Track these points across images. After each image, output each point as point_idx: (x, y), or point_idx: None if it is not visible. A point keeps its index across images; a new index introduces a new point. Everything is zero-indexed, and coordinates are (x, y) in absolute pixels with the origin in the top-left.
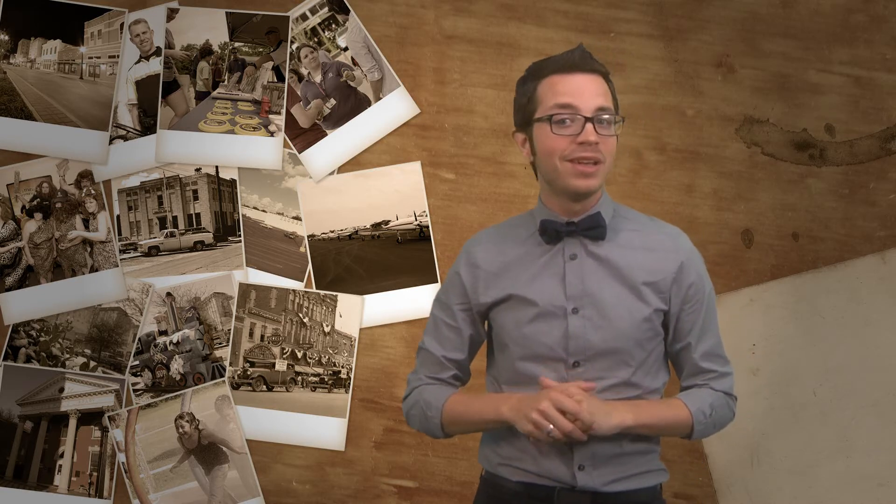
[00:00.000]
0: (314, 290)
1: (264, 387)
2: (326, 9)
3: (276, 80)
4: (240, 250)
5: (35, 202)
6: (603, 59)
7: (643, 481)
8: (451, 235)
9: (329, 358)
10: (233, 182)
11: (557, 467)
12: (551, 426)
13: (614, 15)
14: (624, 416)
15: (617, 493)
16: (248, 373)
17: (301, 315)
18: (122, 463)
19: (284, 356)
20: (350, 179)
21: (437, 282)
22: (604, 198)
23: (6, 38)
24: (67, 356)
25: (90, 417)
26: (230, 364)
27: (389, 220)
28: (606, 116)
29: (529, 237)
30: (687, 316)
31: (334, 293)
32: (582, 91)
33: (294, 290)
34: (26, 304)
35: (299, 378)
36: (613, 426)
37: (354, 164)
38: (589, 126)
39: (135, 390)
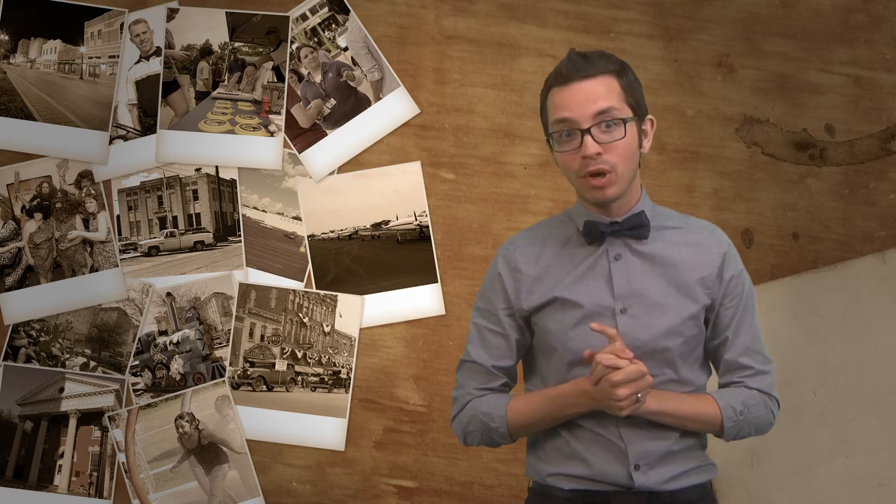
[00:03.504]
0: (314, 290)
1: (264, 387)
2: (326, 9)
3: (276, 80)
4: (240, 250)
5: (35, 202)
6: None
7: (695, 478)
8: (451, 235)
9: (329, 358)
10: (233, 182)
11: (613, 468)
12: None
13: (614, 15)
14: (650, 401)
15: (672, 491)
16: (248, 373)
17: (301, 315)
18: (122, 463)
19: (284, 356)
20: (350, 179)
21: (437, 282)
22: (643, 196)
23: (6, 38)
24: (67, 356)
25: (90, 417)
26: (230, 364)
27: (389, 220)
28: (607, 121)
29: (570, 239)
30: (726, 310)
31: (334, 293)
32: (575, 101)
33: (294, 290)
34: (26, 304)
35: (299, 378)
36: (646, 406)
37: (354, 164)
38: (587, 138)
39: (135, 390)
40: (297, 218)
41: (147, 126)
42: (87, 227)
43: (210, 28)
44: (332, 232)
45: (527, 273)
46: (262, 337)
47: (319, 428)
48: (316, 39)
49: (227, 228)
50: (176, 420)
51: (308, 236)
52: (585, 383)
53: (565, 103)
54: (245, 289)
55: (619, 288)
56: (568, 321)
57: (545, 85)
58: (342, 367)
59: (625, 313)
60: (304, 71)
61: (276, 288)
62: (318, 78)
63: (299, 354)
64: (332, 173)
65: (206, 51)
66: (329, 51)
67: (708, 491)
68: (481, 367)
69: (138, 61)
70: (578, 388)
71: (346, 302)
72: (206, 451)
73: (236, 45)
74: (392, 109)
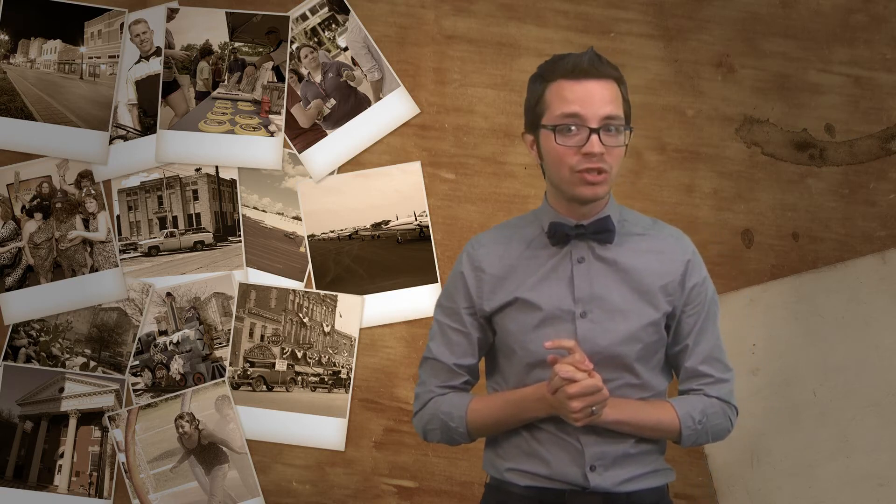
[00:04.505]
0: (314, 290)
1: (264, 387)
2: (326, 9)
3: (276, 80)
4: (240, 250)
5: (35, 202)
6: None
7: (652, 481)
8: (451, 235)
9: (329, 358)
10: (233, 182)
11: (569, 468)
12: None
13: (614, 15)
14: (608, 410)
15: (628, 493)
16: (248, 373)
17: (301, 315)
18: (122, 463)
19: (284, 356)
20: (350, 179)
21: (437, 282)
22: (611, 201)
23: (6, 38)
24: (67, 356)
25: (90, 417)
26: (230, 364)
27: (389, 220)
28: (614, 126)
29: (535, 239)
30: (687, 318)
31: (334, 293)
32: (590, 100)
33: (294, 290)
34: (26, 304)
35: (299, 378)
36: (604, 416)
37: (354, 164)
38: (594, 137)
39: (135, 390)
40: (297, 218)
41: (147, 126)
42: (87, 227)
43: (210, 28)
44: (332, 232)
45: (490, 273)
46: (262, 337)
47: (319, 428)
48: (316, 39)
49: (227, 228)
50: (176, 420)
51: (308, 236)
52: (545, 389)
53: (579, 98)
54: (245, 289)
55: (580, 292)
56: (528, 323)
57: (547, 73)
58: (342, 367)
59: (584, 317)
60: (304, 71)
61: (276, 288)
62: (318, 78)
63: (299, 354)
64: (332, 173)
65: (206, 51)
66: (329, 51)
67: (664, 495)
68: (443, 364)
69: (138, 61)
70: (538, 394)
71: (346, 302)
72: (206, 451)
73: (236, 45)
74: (392, 109)
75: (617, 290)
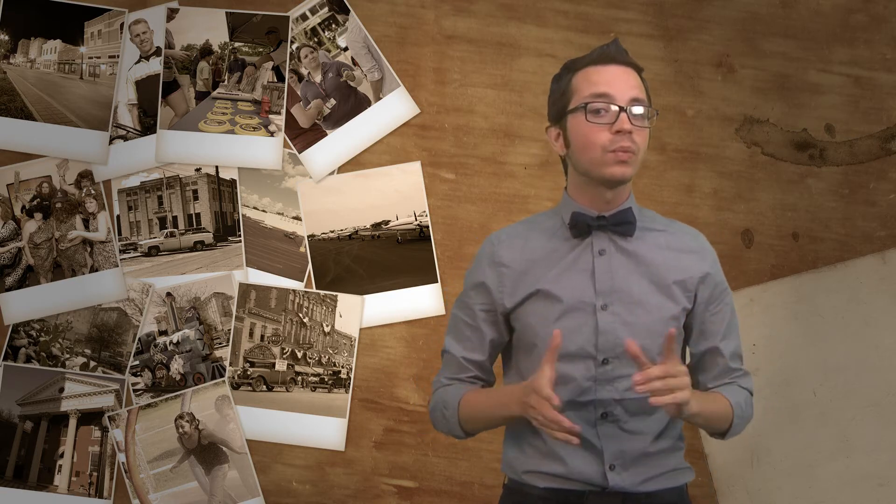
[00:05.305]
0: (314, 290)
1: (264, 387)
2: (326, 9)
3: (276, 80)
4: (240, 250)
5: (35, 202)
6: None
7: (671, 480)
8: (451, 235)
9: (329, 358)
10: (233, 182)
11: (588, 468)
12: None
13: (614, 15)
14: (692, 403)
15: (648, 493)
16: (248, 373)
17: (301, 315)
18: (122, 463)
19: (284, 356)
20: (350, 179)
21: (437, 282)
22: (631, 196)
23: (6, 38)
24: (67, 356)
25: (90, 417)
26: (230, 364)
27: (389, 220)
28: (641, 108)
29: (556, 232)
30: (712, 316)
31: (334, 293)
32: (617, 81)
33: (294, 290)
34: (26, 304)
35: (299, 378)
36: (692, 406)
37: (354, 164)
38: (623, 115)
39: (135, 390)
40: (297, 218)
41: (147, 126)
42: (87, 227)
43: (210, 28)
44: (332, 232)
45: (511, 267)
46: (262, 337)
47: (319, 428)
48: (316, 39)
49: (227, 228)
50: (176, 420)
51: (308, 236)
52: (519, 391)
53: (607, 80)
54: (245, 289)
55: (602, 284)
56: (549, 316)
57: (572, 64)
58: (342, 367)
59: (605, 310)
60: (304, 71)
61: (276, 288)
62: (318, 78)
63: (299, 354)
64: (332, 173)
65: (206, 51)
66: (329, 51)
67: (683, 494)
68: (453, 357)
69: (138, 61)
70: (515, 394)
71: (346, 302)
72: (206, 451)
73: (236, 45)
74: (392, 109)
75: (637, 283)
